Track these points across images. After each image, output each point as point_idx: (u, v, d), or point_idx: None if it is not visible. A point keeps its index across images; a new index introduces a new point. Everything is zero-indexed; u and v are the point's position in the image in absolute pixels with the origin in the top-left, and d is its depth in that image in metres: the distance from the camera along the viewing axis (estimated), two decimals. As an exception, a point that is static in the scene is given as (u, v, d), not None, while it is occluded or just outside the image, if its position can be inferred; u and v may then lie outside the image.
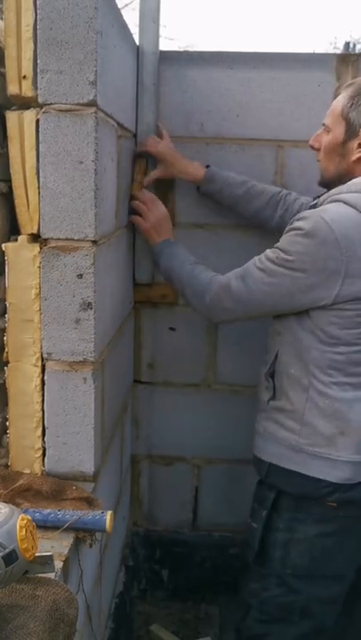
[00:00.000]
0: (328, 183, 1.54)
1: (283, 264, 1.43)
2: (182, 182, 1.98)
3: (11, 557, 0.95)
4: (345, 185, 1.45)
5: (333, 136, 1.50)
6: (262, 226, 1.90)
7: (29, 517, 1.01)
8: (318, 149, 1.56)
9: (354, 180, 1.46)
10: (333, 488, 1.46)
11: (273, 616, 1.55)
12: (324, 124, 1.53)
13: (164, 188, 1.98)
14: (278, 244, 1.46)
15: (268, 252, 1.48)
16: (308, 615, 1.52)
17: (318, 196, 1.54)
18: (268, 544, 1.54)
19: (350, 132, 1.46)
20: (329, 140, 1.51)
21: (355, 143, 1.46)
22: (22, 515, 1.00)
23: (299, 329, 1.47)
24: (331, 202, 1.43)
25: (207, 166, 1.89)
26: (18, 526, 0.97)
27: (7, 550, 0.95)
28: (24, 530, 0.98)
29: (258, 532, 1.54)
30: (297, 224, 1.42)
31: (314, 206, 1.51)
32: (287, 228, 1.45)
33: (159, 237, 1.77)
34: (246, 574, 1.62)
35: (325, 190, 1.54)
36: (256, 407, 1.64)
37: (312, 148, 1.58)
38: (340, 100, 1.49)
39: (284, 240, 1.44)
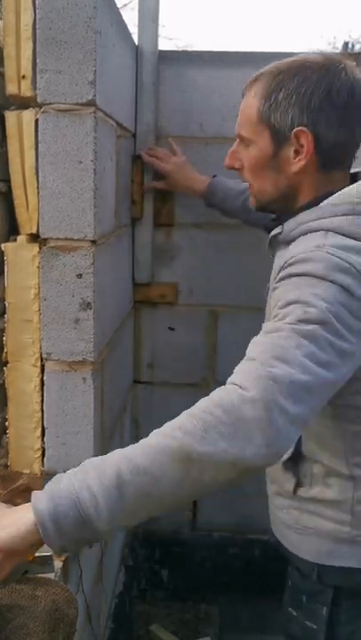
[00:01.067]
0: (268, 206, 1.25)
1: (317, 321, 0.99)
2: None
3: None
4: (318, 208, 1.11)
5: (258, 149, 1.17)
6: (265, 232, 1.82)
7: None
8: (240, 169, 1.24)
9: (331, 200, 1.11)
10: None
11: None
12: (239, 136, 1.22)
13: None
14: (291, 300, 1.01)
15: (290, 318, 0.98)
16: None
17: (275, 221, 1.24)
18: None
19: (279, 139, 1.13)
20: (254, 156, 1.18)
21: (289, 150, 1.13)
22: None
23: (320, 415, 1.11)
24: (310, 232, 1.10)
25: (214, 176, 1.84)
26: None
27: None
28: None
29: (321, 634, 1.27)
30: (299, 268, 1.04)
31: (275, 237, 1.21)
32: (280, 278, 1.07)
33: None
34: None
35: (274, 216, 1.26)
36: (266, 481, 1.39)
37: (231, 169, 1.26)
38: (253, 103, 1.16)
39: (294, 293, 1.02)
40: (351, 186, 1.12)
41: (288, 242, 1.16)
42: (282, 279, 1.06)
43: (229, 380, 0.96)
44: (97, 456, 1.39)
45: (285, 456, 1.23)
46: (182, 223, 2.04)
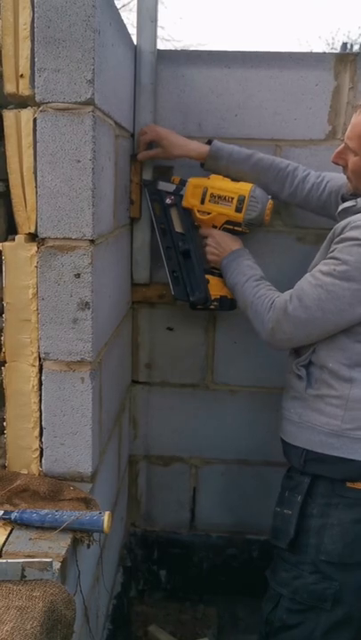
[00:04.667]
0: (359, 194, 1.55)
1: (340, 276, 1.42)
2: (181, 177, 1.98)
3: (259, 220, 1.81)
4: None
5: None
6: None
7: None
8: (344, 166, 1.56)
9: None
10: None
11: (305, 604, 1.53)
12: (346, 144, 1.52)
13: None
14: (332, 256, 1.45)
15: (322, 266, 1.46)
16: (340, 603, 1.51)
17: (355, 195, 1.54)
18: (301, 531, 1.53)
19: None
20: (358, 164, 1.50)
21: None
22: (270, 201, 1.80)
23: (343, 336, 1.49)
24: None
25: (209, 142, 1.84)
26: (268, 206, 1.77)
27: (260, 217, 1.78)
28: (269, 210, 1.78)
29: (293, 519, 1.53)
30: (351, 234, 1.41)
31: (348, 210, 1.51)
32: (338, 238, 1.44)
33: (224, 252, 1.77)
34: (275, 564, 1.61)
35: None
36: (282, 395, 1.66)
37: (336, 164, 1.57)
38: None
39: (339, 251, 1.43)
40: None
41: (357, 212, 1.49)
42: (342, 239, 1.44)
43: (287, 292, 1.55)
44: (95, 456, 1.39)
45: (301, 362, 1.57)
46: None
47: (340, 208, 1.56)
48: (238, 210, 1.76)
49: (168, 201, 1.86)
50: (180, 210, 1.85)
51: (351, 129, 1.50)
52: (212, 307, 1.85)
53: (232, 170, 1.83)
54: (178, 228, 1.86)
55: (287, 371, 1.65)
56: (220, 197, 1.79)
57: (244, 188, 1.77)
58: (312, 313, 1.46)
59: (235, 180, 1.83)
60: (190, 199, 1.82)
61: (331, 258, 1.45)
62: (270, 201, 1.78)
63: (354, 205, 1.51)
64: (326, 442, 1.51)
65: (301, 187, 1.80)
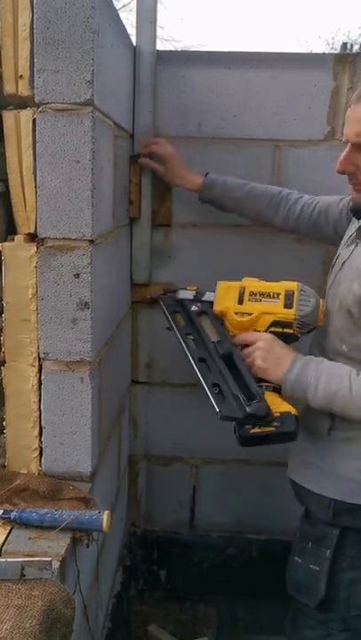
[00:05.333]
0: None
1: None
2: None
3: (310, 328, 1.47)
4: None
5: None
6: (266, 226, 1.86)
7: (322, 300, 1.48)
8: (353, 173, 1.35)
9: None
10: None
11: None
12: (354, 144, 1.32)
13: (162, 188, 1.98)
14: None
15: None
16: None
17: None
18: (330, 586, 1.40)
19: None
20: None
21: None
22: (322, 300, 1.47)
23: None
24: None
25: (206, 174, 1.86)
26: (320, 308, 1.46)
27: (311, 327, 1.47)
28: (323, 306, 1.47)
29: (323, 575, 1.39)
30: None
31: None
32: None
33: (283, 362, 1.38)
34: (296, 619, 1.48)
35: None
36: (306, 437, 1.46)
37: (343, 173, 1.36)
38: None
39: None
40: None
41: None
42: None
43: None
44: (94, 456, 1.40)
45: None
46: (180, 223, 2.04)
47: (358, 227, 1.41)
48: (288, 306, 1.43)
49: (195, 308, 1.60)
50: (211, 316, 1.55)
51: (354, 123, 1.31)
52: (272, 427, 1.32)
53: (226, 198, 1.83)
54: (213, 336, 1.52)
55: (305, 406, 1.41)
56: (262, 294, 1.47)
57: (290, 284, 1.47)
58: None
59: (230, 210, 1.85)
60: (224, 301, 1.51)
61: None
62: (322, 300, 1.47)
63: None
64: (359, 489, 1.36)
65: (293, 209, 1.76)
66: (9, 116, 1.26)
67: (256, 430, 1.33)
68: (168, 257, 2.07)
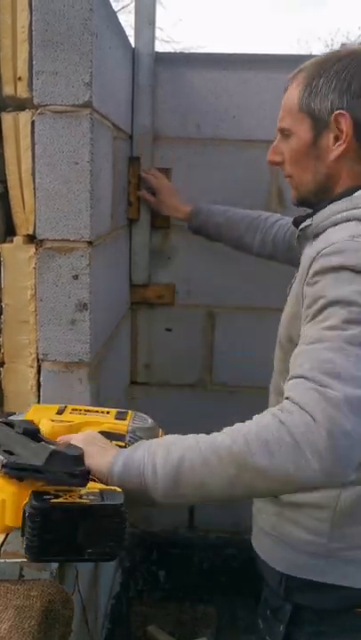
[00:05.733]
0: (308, 199, 1.20)
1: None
2: (179, 183, 1.98)
3: None
4: (351, 198, 1.08)
5: (298, 138, 1.16)
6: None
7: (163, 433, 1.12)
8: (282, 163, 1.22)
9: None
10: None
11: None
12: (280, 130, 1.21)
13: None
14: (329, 301, 0.95)
15: (334, 322, 0.93)
16: None
17: (306, 216, 1.17)
18: None
19: (319, 126, 1.12)
20: (295, 145, 1.17)
21: (329, 137, 1.11)
22: (162, 431, 1.14)
23: None
24: (341, 222, 1.05)
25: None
26: (160, 434, 1.12)
27: None
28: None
29: None
30: (332, 260, 0.98)
31: (304, 230, 1.15)
32: (313, 272, 1.01)
33: (109, 455, 0.97)
34: None
35: (306, 210, 1.20)
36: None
37: (274, 164, 1.24)
38: (293, 94, 1.16)
39: (334, 291, 0.96)
40: None
41: (317, 234, 1.10)
42: (317, 273, 0.99)
43: (287, 395, 0.92)
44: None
45: None
46: (179, 225, 2.04)
47: (297, 233, 1.19)
48: (120, 418, 1.14)
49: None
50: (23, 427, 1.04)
51: (282, 109, 1.21)
52: (86, 500, 0.86)
53: (210, 224, 1.79)
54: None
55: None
56: (88, 410, 1.17)
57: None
58: None
59: (216, 239, 1.82)
60: (38, 413, 1.14)
61: (329, 304, 0.95)
62: (161, 430, 1.20)
63: (310, 225, 1.13)
64: (312, 565, 1.15)
65: (269, 231, 1.65)
66: (8, 118, 1.26)
67: (61, 501, 0.84)
68: (167, 258, 2.07)
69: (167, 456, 0.94)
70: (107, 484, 0.92)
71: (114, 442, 1.05)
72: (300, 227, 1.17)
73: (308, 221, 1.14)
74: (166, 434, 2.31)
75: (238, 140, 1.96)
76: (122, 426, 1.11)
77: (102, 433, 1.05)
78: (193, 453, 0.93)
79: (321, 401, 0.86)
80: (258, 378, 2.14)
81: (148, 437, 1.09)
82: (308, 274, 1.02)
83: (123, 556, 2.21)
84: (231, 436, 0.92)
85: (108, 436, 1.06)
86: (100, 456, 0.96)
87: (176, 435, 1.02)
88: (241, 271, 2.05)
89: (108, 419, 1.13)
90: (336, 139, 1.11)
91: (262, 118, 1.95)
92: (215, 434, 0.96)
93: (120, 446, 1.04)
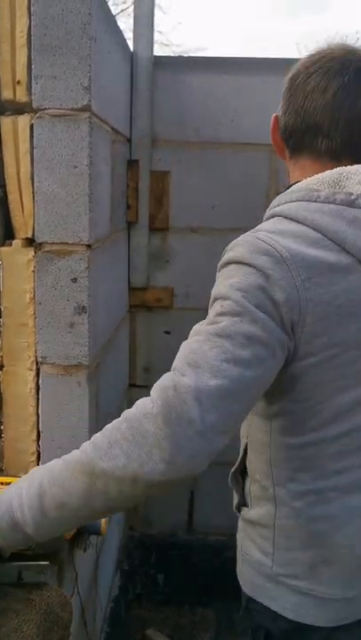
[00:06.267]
0: None
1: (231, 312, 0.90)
2: (177, 186, 1.99)
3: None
4: (281, 195, 1.04)
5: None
6: None
7: None
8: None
9: (295, 186, 1.02)
10: (321, 634, 1.03)
11: None
12: None
13: (159, 192, 1.99)
14: (214, 297, 0.95)
15: (209, 317, 0.92)
16: None
17: None
18: None
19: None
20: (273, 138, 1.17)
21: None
22: None
23: (255, 416, 1.05)
24: (268, 218, 1.04)
25: None
26: None
27: None
28: None
29: None
30: (224, 258, 0.97)
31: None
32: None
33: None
34: None
35: None
36: None
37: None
38: None
39: (216, 289, 0.95)
40: (323, 172, 1.00)
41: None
42: (217, 271, 0.98)
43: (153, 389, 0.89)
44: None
45: (232, 469, 1.16)
46: (178, 227, 2.05)
47: None
48: None
49: None
50: None
51: None
52: None
53: None
54: None
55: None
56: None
57: None
58: (222, 371, 0.84)
59: None
60: None
61: (212, 303, 0.95)
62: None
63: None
64: (264, 587, 1.06)
65: None
66: (6, 122, 1.27)
67: None
68: (166, 261, 2.08)
69: (30, 485, 0.89)
70: None
71: None
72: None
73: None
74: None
75: (237, 144, 1.97)
76: None
77: None
78: (50, 474, 0.88)
79: (169, 389, 0.83)
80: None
81: None
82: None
83: (122, 559, 2.21)
84: (82, 446, 0.88)
85: None
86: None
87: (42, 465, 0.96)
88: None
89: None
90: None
91: (261, 122, 1.95)
92: (72, 452, 0.90)
93: None
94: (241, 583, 1.13)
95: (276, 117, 1.12)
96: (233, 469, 1.16)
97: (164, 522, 2.28)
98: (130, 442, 0.82)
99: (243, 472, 1.14)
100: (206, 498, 2.25)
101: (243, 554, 1.12)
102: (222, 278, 0.94)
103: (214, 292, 0.94)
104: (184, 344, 0.91)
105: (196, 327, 0.93)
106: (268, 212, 1.04)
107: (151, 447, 0.80)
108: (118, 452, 0.82)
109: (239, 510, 1.15)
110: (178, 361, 0.88)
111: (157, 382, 0.87)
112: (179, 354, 0.89)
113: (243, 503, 1.14)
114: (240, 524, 1.15)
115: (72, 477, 0.86)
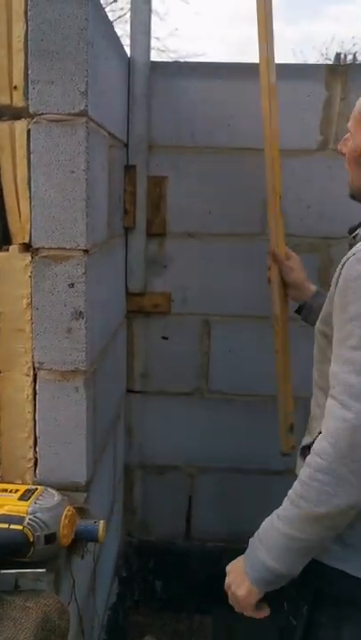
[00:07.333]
0: (357, 196, 1.28)
1: None
2: (174, 191, 1.99)
3: (51, 538, 1.12)
4: None
5: (355, 141, 1.24)
6: None
7: (74, 510, 1.21)
8: (345, 155, 1.31)
9: None
10: None
11: None
12: (348, 128, 1.30)
13: (156, 197, 1.99)
14: (353, 315, 1.03)
15: (355, 341, 1.01)
16: None
17: (358, 226, 1.23)
18: None
19: None
20: (351, 146, 1.26)
21: None
22: (69, 507, 1.19)
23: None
24: None
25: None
26: (64, 515, 1.16)
27: (50, 531, 1.12)
28: (67, 519, 1.17)
29: (298, 633, 1.24)
30: (356, 269, 1.04)
31: (355, 238, 1.20)
32: (342, 281, 1.07)
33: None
34: None
35: None
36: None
37: (340, 153, 1.34)
38: (358, 101, 1.24)
39: (355, 306, 1.03)
40: None
41: None
42: (345, 280, 1.06)
43: (323, 426, 1.04)
44: (89, 465, 1.39)
45: (303, 443, 1.26)
46: (175, 233, 2.04)
47: (349, 241, 1.24)
48: (24, 499, 1.20)
49: None
50: None
51: (354, 111, 1.27)
52: None
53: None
54: None
55: (298, 454, 1.30)
56: None
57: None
58: None
59: None
60: None
61: (351, 319, 1.03)
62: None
63: (356, 235, 1.20)
64: (330, 549, 1.15)
65: None
66: (3, 127, 1.26)
67: None
68: (163, 266, 2.07)
69: (269, 551, 1.12)
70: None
71: (12, 525, 1.12)
72: (352, 234, 1.23)
73: (357, 231, 1.20)
74: (162, 442, 2.31)
75: (233, 149, 1.97)
76: (22, 507, 1.16)
77: (1, 516, 1.13)
78: (285, 538, 1.09)
79: (348, 429, 0.99)
80: (254, 385, 2.15)
81: (51, 516, 1.15)
82: (338, 277, 1.09)
83: (120, 566, 2.20)
84: (293, 503, 1.07)
85: (8, 518, 1.13)
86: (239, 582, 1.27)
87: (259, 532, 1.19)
88: (237, 279, 2.06)
89: (11, 499, 1.19)
90: None
91: (257, 127, 1.96)
92: (282, 510, 1.10)
93: (17, 530, 1.11)
94: None
95: None
96: (305, 444, 1.25)
97: (162, 528, 2.27)
98: (332, 485, 1.01)
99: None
100: (204, 504, 2.24)
101: None
102: (359, 295, 1.02)
103: (352, 310, 1.03)
104: (339, 373, 1.04)
105: (344, 353, 1.04)
106: None
107: (351, 482, 1.00)
108: (327, 496, 1.01)
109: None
110: (340, 395, 1.02)
111: (327, 417, 1.03)
112: (337, 384, 1.03)
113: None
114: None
115: (304, 529, 1.06)
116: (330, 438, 1.01)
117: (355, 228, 1.25)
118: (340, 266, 1.10)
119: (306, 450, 1.22)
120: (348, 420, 0.99)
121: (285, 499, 1.09)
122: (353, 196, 1.30)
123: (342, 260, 1.10)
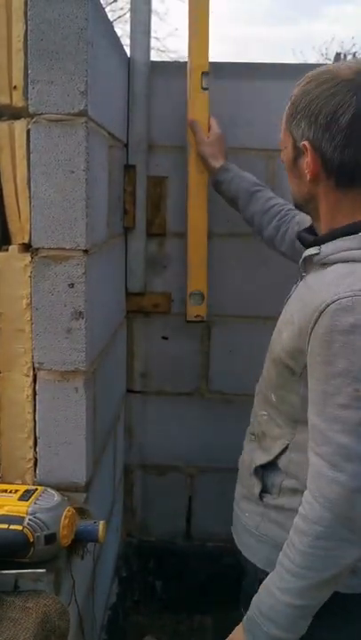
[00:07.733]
0: (299, 206, 1.26)
1: None
2: (175, 191, 1.99)
3: (51, 538, 1.13)
4: (358, 236, 1.09)
5: (286, 153, 1.22)
6: (256, 232, 1.75)
7: (74, 511, 1.21)
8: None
9: None
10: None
11: None
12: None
13: (156, 197, 1.99)
14: (341, 370, 1.02)
15: (345, 400, 1.02)
16: None
17: (313, 241, 1.18)
18: None
19: (297, 149, 1.16)
20: (284, 157, 1.23)
21: (304, 161, 1.14)
22: (69, 507, 1.20)
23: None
24: (349, 260, 1.09)
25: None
26: (64, 515, 1.17)
27: (50, 531, 1.13)
28: (67, 520, 1.17)
29: None
30: (340, 321, 1.01)
31: (310, 258, 1.16)
32: (324, 330, 1.03)
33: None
34: None
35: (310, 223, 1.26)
36: (237, 480, 1.42)
37: (282, 162, 1.28)
38: (286, 110, 1.20)
39: (343, 361, 1.01)
40: None
41: (324, 264, 1.12)
42: (330, 330, 1.02)
43: (308, 487, 1.06)
44: (89, 466, 1.39)
45: (257, 463, 1.27)
46: (175, 232, 2.04)
47: (304, 255, 1.19)
48: (23, 499, 1.21)
49: None
50: None
51: (283, 117, 1.23)
52: None
53: (234, 184, 1.75)
54: None
55: (244, 449, 1.35)
56: None
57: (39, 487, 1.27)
58: None
59: (231, 202, 1.78)
60: None
61: (338, 375, 1.02)
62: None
63: (317, 254, 1.13)
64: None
65: (285, 226, 1.62)
66: (3, 127, 1.26)
67: None
68: (163, 266, 2.07)
69: (276, 623, 1.09)
70: None
71: (12, 525, 1.12)
72: (306, 254, 1.18)
73: (315, 249, 1.15)
74: (162, 443, 2.31)
75: (233, 148, 1.97)
76: (22, 507, 1.16)
77: (1, 517, 1.14)
78: (293, 610, 1.07)
79: (339, 493, 1.01)
80: (255, 386, 2.14)
81: (51, 517, 1.16)
82: (316, 322, 1.05)
83: (120, 566, 2.20)
84: (298, 575, 1.06)
85: (8, 519, 1.13)
86: None
87: (265, 604, 1.12)
88: (237, 279, 2.05)
89: (11, 500, 1.19)
90: (308, 164, 1.14)
91: (256, 127, 1.96)
92: (284, 582, 1.08)
93: (17, 530, 1.11)
94: (253, 560, 1.29)
95: (312, 145, 1.12)
96: (260, 464, 1.27)
97: (162, 528, 2.27)
98: (332, 550, 1.04)
99: (268, 466, 1.26)
100: (204, 504, 2.24)
101: (260, 535, 1.27)
102: (348, 349, 1.01)
103: (341, 365, 1.02)
104: (325, 431, 1.04)
105: (331, 411, 1.03)
106: (350, 253, 1.09)
107: (348, 543, 1.03)
108: (331, 560, 1.04)
109: (260, 498, 1.27)
110: (328, 456, 1.03)
111: (315, 478, 1.05)
112: (324, 444, 1.04)
113: (265, 491, 1.26)
114: (258, 509, 1.28)
115: (315, 597, 1.07)
116: (325, 503, 1.02)
117: (305, 238, 1.22)
118: (313, 309, 1.06)
119: (260, 469, 1.27)
120: (341, 482, 1.01)
121: (281, 570, 1.08)
122: (296, 206, 1.28)
123: (315, 304, 1.06)
